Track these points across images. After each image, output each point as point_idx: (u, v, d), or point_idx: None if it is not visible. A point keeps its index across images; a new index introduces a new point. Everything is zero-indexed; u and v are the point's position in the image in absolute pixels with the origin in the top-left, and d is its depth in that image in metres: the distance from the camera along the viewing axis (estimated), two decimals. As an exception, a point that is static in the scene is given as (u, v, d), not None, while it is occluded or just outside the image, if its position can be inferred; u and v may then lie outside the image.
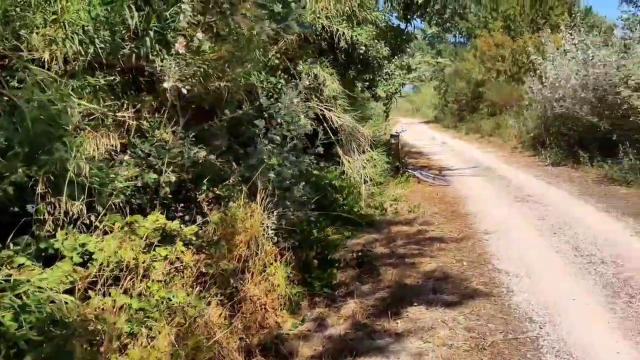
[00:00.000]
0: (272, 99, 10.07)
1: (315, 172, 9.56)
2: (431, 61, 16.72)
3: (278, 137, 5.71)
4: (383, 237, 7.36)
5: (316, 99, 9.97)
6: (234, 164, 6.08)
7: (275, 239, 5.24)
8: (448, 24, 13.75)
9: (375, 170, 9.31)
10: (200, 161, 5.40)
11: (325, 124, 9.62)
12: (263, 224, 5.07)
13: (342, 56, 10.73)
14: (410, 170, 11.97)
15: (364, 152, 9.34)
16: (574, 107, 12.97)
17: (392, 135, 12.90)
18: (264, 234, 4.96)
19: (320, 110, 9.45)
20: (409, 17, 11.60)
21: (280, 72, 9.74)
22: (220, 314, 4.02)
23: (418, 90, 55.32)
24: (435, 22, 12.17)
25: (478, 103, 27.62)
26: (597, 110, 12.58)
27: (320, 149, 6.15)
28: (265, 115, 5.91)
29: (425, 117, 44.67)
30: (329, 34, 10.23)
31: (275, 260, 5.12)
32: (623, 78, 11.23)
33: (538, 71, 15.87)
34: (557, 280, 5.45)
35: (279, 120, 5.80)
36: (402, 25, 11.89)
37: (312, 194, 6.15)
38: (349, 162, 9.59)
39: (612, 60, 11.47)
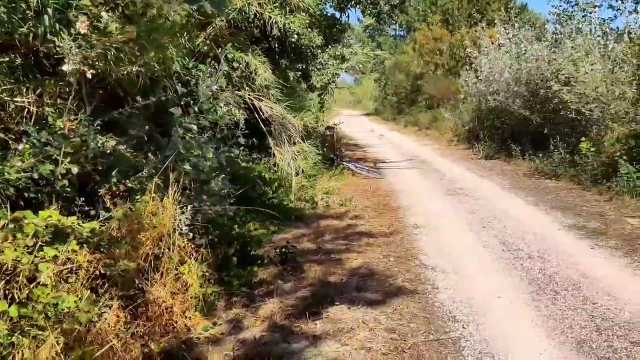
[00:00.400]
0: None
1: (244, 164, 9.27)
2: (370, 53, 16.54)
3: (195, 127, 5.34)
4: (311, 231, 7.11)
5: (248, 88, 9.66)
6: (150, 155, 5.68)
7: (191, 235, 4.91)
8: (385, 15, 13.54)
9: (306, 162, 9.05)
10: (108, 151, 5.00)
11: (257, 114, 9.33)
12: (176, 219, 4.73)
13: (276, 45, 10.40)
14: (345, 163, 11.77)
15: (294, 143, 9.06)
16: (507, 101, 13.08)
17: (327, 127, 12.69)
18: (176, 230, 4.61)
19: (250, 99, 9.13)
20: (343, 6, 11.37)
21: (210, 59, 9.36)
22: (119, 319, 3.67)
23: (359, 83, 55.56)
24: (369, 12, 11.99)
25: (417, 96, 27.82)
26: (529, 104, 12.71)
27: (242, 140, 5.80)
28: (182, 103, 5.53)
29: (366, 109, 44.84)
30: (261, 22, 9.89)
31: (190, 258, 4.80)
32: (554, 72, 11.34)
33: (473, 65, 15.97)
34: (484, 277, 5.32)
35: (196, 109, 5.43)
36: (337, 15, 11.67)
37: (232, 188, 5.82)
38: (280, 153, 9.31)
39: (544, 54, 11.58)
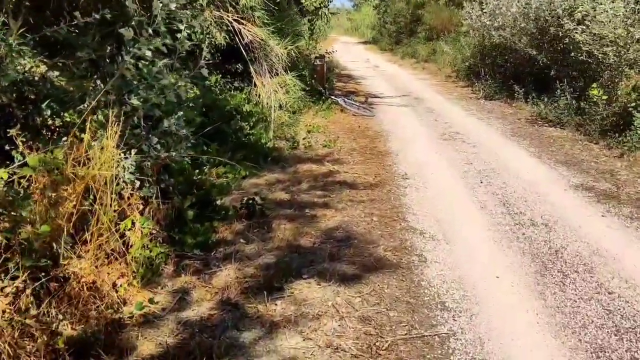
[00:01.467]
0: (180, 5, 8.68)
1: (222, 95, 8.35)
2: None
3: (148, 52, 4.39)
4: (287, 177, 6.29)
5: (232, 9, 8.62)
6: (99, 83, 4.75)
7: (137, 183, 4.07)
8: None
9: (288, 96, 8.12)
10: (35, 78, 4.10)
11: (238, 39, 8.33)
12: (120, 165, 3.89)
13: (264, -40, 9.26)
14: (334, 97, 10.81)
15: (277, 74, 8.10)
16: (513, 38, 11.99)
17: (317, 57, 11.63)
18: (115, 179, 3.77)
19: (229, 21, 8.10)
20: None
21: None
22: (21, 300, 2.89)
23: (358, 9, 53.44)
24: None
25: (416, 26, 26.37)
26: (536, 43, 11.65)
27: (205, 70, 4.83)
28: (134, 22, 4.56)
29: (363, 37, 43.07)
30: None
31: (134, 213, 4.00)
32: (567, 9, 10.26)
33: (479, -4, 14.72)
34: (480, 248, 4.56)
35: (150, 31, 4.46)
36: None
37: (192, 125, 4.95)
38: (262, 85, 8.35)
39: (559, -12, 10.44)
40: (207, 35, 8.47)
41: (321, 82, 11.00)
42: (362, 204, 5.44)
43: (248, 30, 7.86)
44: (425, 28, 24.77)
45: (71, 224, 3.40)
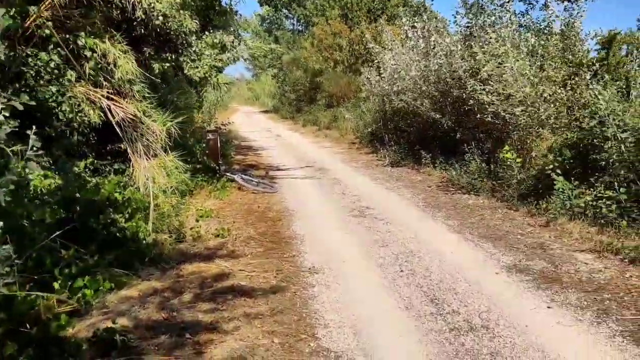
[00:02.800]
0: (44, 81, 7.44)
1: (92, 182, 7.04)
2: (263, 46, 14.67)
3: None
4: (167, 285, 5.03)
5: (106, 84, 7.48)
6: None
7: None
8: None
9: (170, 179, 6.92)
10: None
11: (110, 116, 7.16)
12: None
13: (141, 30, 8.23)
14: (229, 175, 9.69)
15: (155, 155, 6.91)
16: (415, 102, 11.47)
17: (209, 131, 10.55)
18: None
19: (97, 97, 6.92)
20: (225, -15, 9.33)
21: (52, 46, 7.15)
22: None
23: (258, 78, 53.38)
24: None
25: (316, 94, 26.06)
26: (439, 106, 11.18)
27: (32, 152, 3.59)
28: None
29: (264, 106, 42.66)
30: (122, 2, 7.81)
31: None
32: (468, 70, 9.83)
33: (376, 61, 14.33)
34: (413, 373, 3.49)
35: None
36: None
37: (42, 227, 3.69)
38: (140, 167, 7.12)
39: (457, 48, 10.01)
40: (79, 114, 7.26)
41: (214, 158, 9.89)
42: (260, 319, 4.25)
43: (118, 107, 6.68)
44: (324, 95, 24.46)
45: None
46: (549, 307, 4.41)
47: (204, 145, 10.29)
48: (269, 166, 12.55)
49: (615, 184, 6.45)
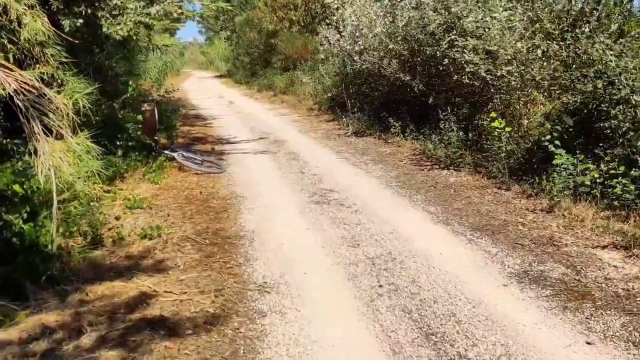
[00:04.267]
0: None
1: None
2: (211, 5, 12.95)
3: None
4: (64, 319, 3.60)
5: (11, 46, 5.90)
6: None
7: None
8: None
9: (79, 167, 5.40)
10: None
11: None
12: None
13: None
14: (167, 153, 8.16)
15: (60, 136, 5.37)
16: (381, 62, 10.05)
17: (144, 101, 8.95)
18: None
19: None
20: None
21: None
22: None
23: (211, 42, 50.85)
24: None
25: (271, 56, 24.33)
26: (408, 66, 9.80)
27: None
28: None
29: (218, 71, 40.57)
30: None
31: None
32: (442, 25, 8.45)
33: (335, 18, 12.79)
34: None
35: None
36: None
37: None
38: (43, 153, 5.56)
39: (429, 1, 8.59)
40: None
41: (151, 134, 8.33)
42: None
43: (8, 75, 5.10)
44: (280, 58, 22.78)
45: None
46: (588, 343, 3.16)
47: (139, 118, 8.72)
48: (218, 139, 11.04)
49: (633, 157, 5.25)
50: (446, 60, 8.25)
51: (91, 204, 5.64)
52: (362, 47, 11.25)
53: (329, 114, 13.45)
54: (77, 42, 6.87)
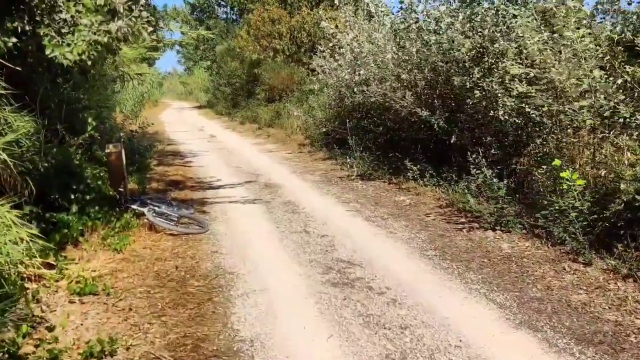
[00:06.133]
0: None
1: None
2: (190, 32, 11.33)
3: None
4: None
5: None
6: None
7: None
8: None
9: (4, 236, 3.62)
10: None
11: None
12: None
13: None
14: (135, 207, 6.37)
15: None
16: (394, 95, 8.40)
17: (108, 141, 7.15)
18: None
19: None
20: None
21: None
22: None
23: (191, 72, 49.14)
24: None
25: (254, 87, 22.69)
26: (425, 99, 8.18)
27: None
28: None
29: (198, 101, 38.78)
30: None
31: None
32: (471, 49, 6.86)
33: (331, 44, 11.21)
34: None
35: None
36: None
37: None
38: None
39: (458, 19, 6.98)
40: None
41: (116, 182, 6.54)
42: None
43: None
44: (264, 88, 21.15)
45: None
46: None
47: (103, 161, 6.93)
48: (199, 182, 9.26)
49: None
50: (477, 93, 6.66)
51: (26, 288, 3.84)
52: (363, 77, 9.66)
53: (325, 152, 11.76)
54: (17, 68, 5.11)
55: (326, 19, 12.18)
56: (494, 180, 6.18)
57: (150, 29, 5.34)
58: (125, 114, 17.92)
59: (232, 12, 34.46)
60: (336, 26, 11.53)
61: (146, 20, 5.27)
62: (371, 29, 9.28)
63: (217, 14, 34.46)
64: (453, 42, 6.81)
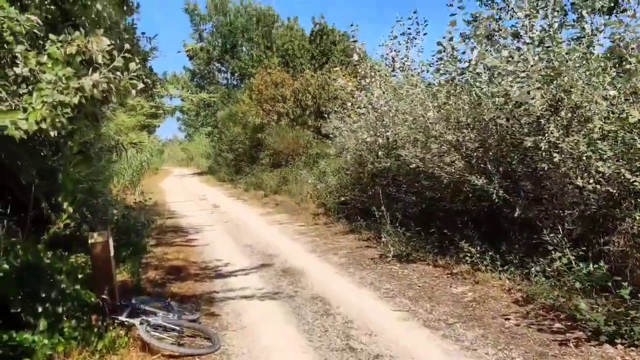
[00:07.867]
0: None
1: None
2: (191, 96, 10.03)
3: None
4: None
5: None
6: None
7: None
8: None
9: None
10: None
11: None
12: None
13: None
14: (125, 320, 4.73)
15: None
16: (440, 159, 6.90)
17: (92, 229, 5.56)
18: None
19: None
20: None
21: None
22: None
23: (191, 138, 48.09)
24: None
25: (258, 152, 21.31)
26: (476, 164, 6.66)
27: None
28: None
29: (199, 167, 37.42)
30: None
31: None
32: (543, 107, 5.39)
33: (349, 104, 9.84)
34: None
35: None
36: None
37: None
38: None
39: (532, 62, 5.51)
40: None
41: (100, 284, 4.91)
42: None
43: None
44: (268, 153, 19.77)
45: None
46: None
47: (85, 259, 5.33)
48: (204, 268, 7.62)
49: None
50: (557, 156, 5.15)
51: None
52: (390, 138, 8.22)
53: (345, 224, 10.17)
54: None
55: (342, 76, 10.85)
56: (581, 265, 4.60)
57: (141, 85, 3.86)
58: (123, 184, 16.48)
59: (232, 77, 33.58)
60: (354, 85, 10.21)
61: (134, 74, 3.79)
62: (405, 83, 7.83)
63: (218, 79, 33.55)
64: (528, 93, 5.31)
